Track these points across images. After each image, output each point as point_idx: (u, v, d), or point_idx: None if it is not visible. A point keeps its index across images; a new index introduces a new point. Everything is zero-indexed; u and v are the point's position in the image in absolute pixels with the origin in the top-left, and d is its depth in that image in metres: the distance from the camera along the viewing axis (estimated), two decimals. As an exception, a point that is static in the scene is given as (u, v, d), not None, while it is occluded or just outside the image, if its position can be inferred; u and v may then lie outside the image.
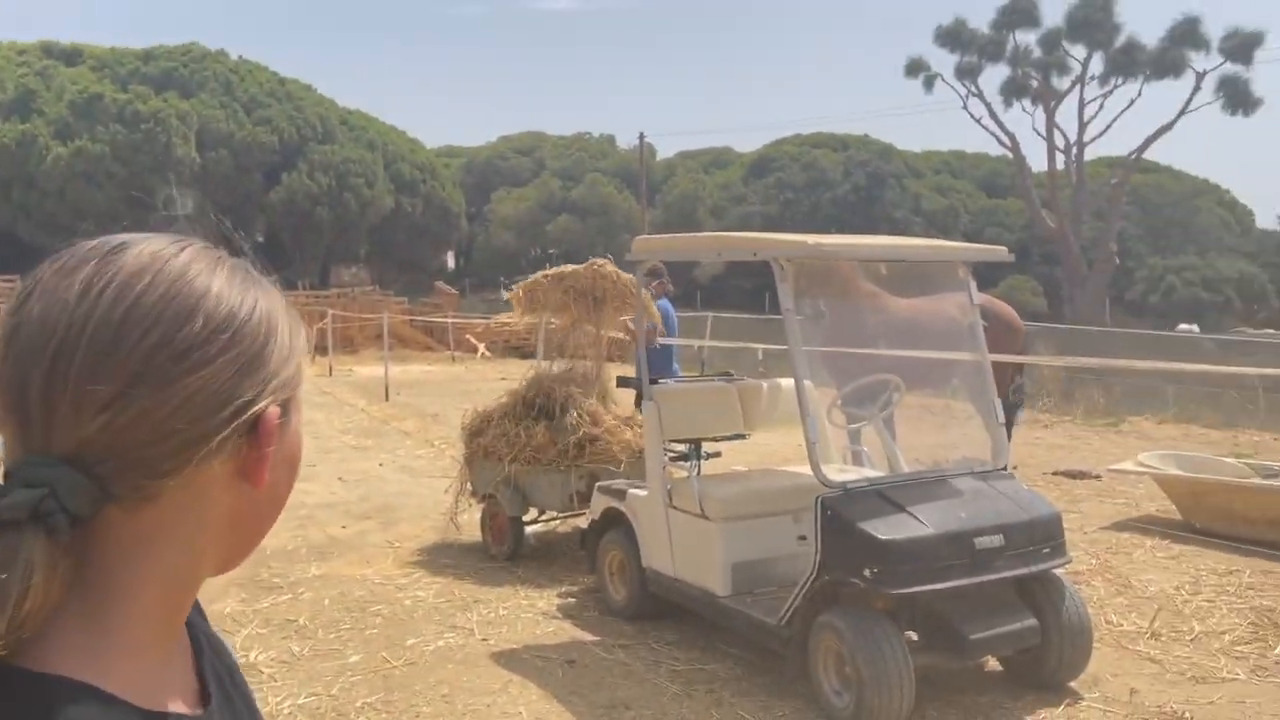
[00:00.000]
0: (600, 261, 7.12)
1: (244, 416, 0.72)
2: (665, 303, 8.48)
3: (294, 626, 5.27)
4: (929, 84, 40.87)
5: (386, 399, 16.20)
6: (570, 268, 7.25)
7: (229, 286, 0.74)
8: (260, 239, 56.67)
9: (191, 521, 0.73)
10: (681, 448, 5.58)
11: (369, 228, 50.01)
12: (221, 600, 5.65)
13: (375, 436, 12.33)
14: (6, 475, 0.68)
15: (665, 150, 65.21)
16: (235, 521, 0.77)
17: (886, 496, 4.27)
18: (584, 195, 52.76)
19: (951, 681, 4.52)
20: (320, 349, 24.42)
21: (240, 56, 50.27)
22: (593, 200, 52.37)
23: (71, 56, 47.75)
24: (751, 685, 4.55)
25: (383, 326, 19.79)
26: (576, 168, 55.94)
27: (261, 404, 0.73)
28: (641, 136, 47.25)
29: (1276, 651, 4.89)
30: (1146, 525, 7.44)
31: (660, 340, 8.00)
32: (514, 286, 7.52)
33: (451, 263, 65.21)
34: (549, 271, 7.25)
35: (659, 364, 8.02)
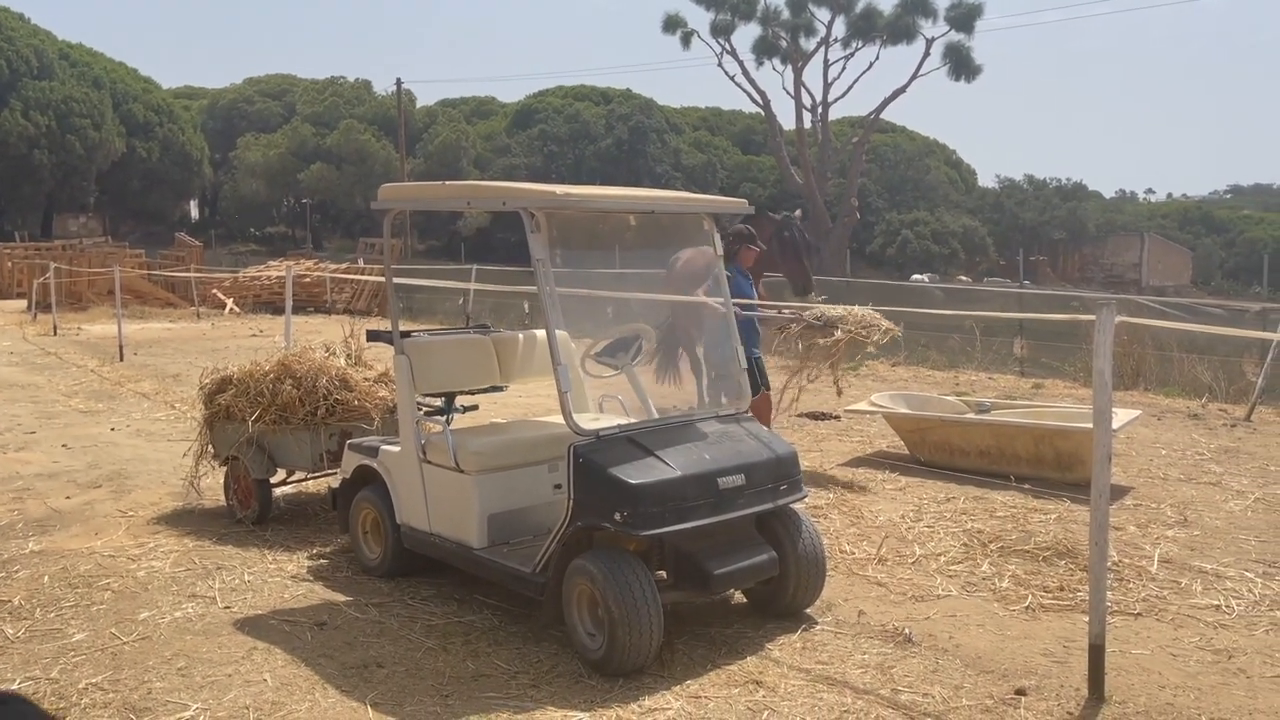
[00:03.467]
0: None
1: None
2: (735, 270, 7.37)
3: (7, 608, 4.82)
4: (686, 40, 41.79)
5: (121, 359, 15.01)
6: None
7: None
8: (-34, 184, 50.82)
9: None
10: (437, 402, 5.49)
11: (97, 173, 45.86)
12: (-81, 585, 5.08)
13: (107, 400, 11.40)
14: None
15: (426, 98, 63.33)
16: None
17: (636, 442, 4.37)
18: (339, 142, 50.50)
19: (698, 615, 4.73)
20: (43, 306, 22.27)
21: (-66, -22, 44.38)
22: (348, 148, 50.23)
23: None
24: (508, 635, 4.58)
25: (115, 281, 18.25)
26: (330, 114, 53.40)
27: None
28: (399, 83, 45.76)
29: (983, 569, 5.43)
30: (879, 460, 8.04)
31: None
32: None
33: (195, 212, 60.94)
34: None
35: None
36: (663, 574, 4.49)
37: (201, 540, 5.98)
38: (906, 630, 4.57)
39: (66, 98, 43.62)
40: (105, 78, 47.58)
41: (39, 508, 6.72)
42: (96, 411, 10.62)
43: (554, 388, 4.48)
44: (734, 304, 7.15)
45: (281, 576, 5.34)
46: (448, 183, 5.08)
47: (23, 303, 26.94)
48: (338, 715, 3.80)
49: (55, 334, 19.35)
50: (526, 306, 18.31)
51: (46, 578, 5.28)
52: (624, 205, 4.87)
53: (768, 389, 7.57)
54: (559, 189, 4.50)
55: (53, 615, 4.76)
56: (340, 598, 5.05)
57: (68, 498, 7.00)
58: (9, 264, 32.66)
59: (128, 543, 5.94)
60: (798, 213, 8.81)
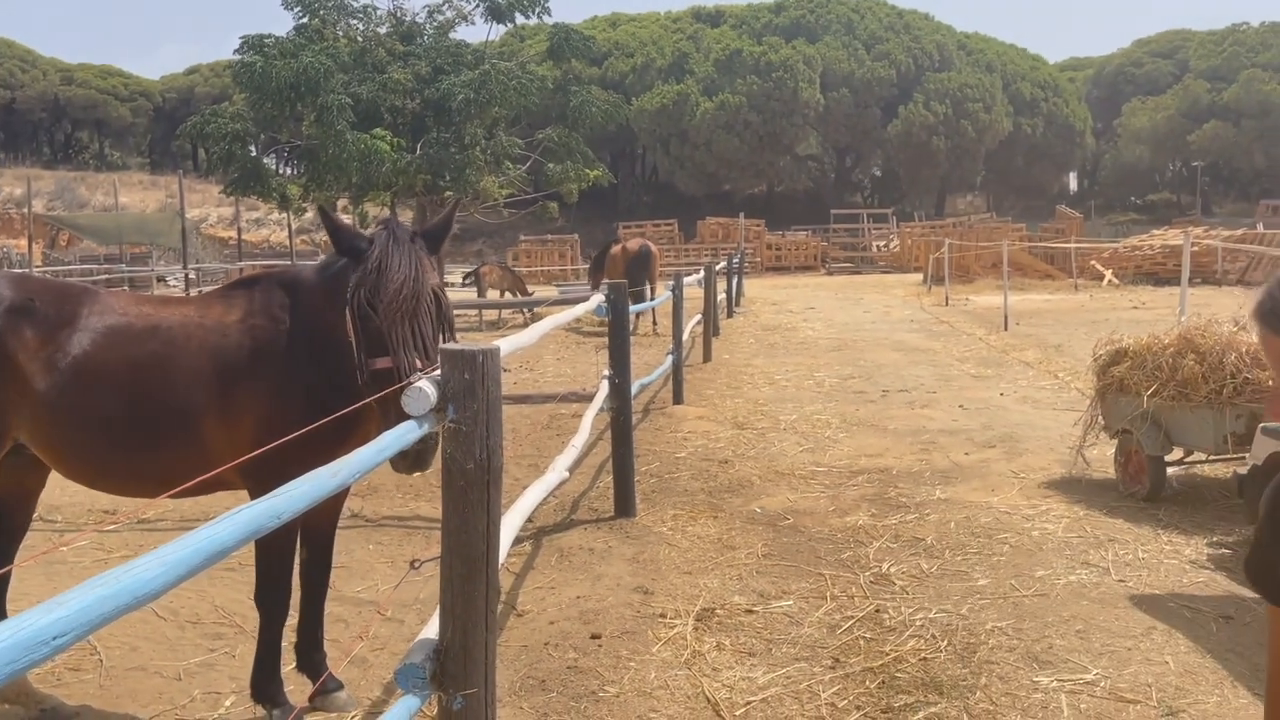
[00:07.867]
0: None
1: None
2: None
3: (922, 545, 5.46)
4: None
5: (1005, 329, 15.85)
6: None
7: None
8: (877, 173, 58.36)
9: None
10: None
11: (985, 154, 48.80)
12: (853, 514, 6.05)
13: (994, 366, 12.15)
14: None
15: (1353, 30, 53.70)
16: None
17: None
18: (1238, 96, 45.79)
19: None
20: (936, 279, 24.55)
21: (862, -6, 51.55)
22: (1249, 101, 45.26)
23: (715, 19, 53.00)
24: None
25: (1000, 255, 19.29)
26: (1229, 65, 48.66)
27: None
28: (1319, 18, 39.63)
29: None
30: None
31: None
32: None
33: (1073, 184, 61.12)
34: None
35: None
36: None
37: (1090, 510, 6.03)
38: None
39: (962, 85, 47.20)
40: (996, 61, 50.28)
41: (942, 460, 7.46)
42: (985, 376, 11.38)
43: None
44: None
45: (1178, 559, 5.11)
46: None
47: (919, 276, 30.06)
48: (1250, 718, 3.51)
49: (946, 304, 21.21)
50: None
51: (952, 524, 5.85)
52: None
53: None
54: None
55: (959, 559, 5.25)
56: (1247, 593, 4.63)
57: (965, 454, 7.63)
58: (908, 241, 36.70)
59: (1020, 502, 6.26)
60: None
